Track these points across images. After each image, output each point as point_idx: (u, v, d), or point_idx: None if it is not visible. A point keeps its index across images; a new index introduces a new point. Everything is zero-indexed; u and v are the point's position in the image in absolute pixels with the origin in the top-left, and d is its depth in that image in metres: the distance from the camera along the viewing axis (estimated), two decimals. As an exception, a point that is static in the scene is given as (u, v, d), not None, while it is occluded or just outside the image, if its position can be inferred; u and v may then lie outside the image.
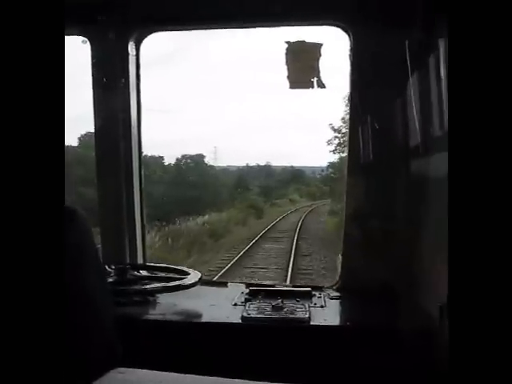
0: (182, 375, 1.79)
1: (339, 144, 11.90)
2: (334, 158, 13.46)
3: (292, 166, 26.97)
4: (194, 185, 17.56)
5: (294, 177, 26.88)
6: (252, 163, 25.30)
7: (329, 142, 12.46)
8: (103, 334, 1.83)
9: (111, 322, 1.87)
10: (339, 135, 11.91)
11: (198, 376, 1.79)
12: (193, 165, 21.71)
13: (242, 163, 24.93)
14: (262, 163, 26.06)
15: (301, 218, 19.48)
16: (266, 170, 25.76)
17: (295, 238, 13.78)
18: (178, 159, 20.92)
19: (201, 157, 21.79)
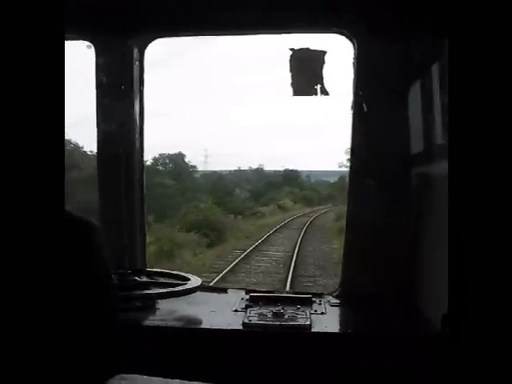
0: (184, 381, 1.78)
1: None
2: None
3: (285, 169, 25.28)
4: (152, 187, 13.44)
5: (287, 179, 24.10)
6: (244, 167, 24.37)
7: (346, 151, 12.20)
8: (107, 340, 1.82)
9: (115, 329, 1.86)
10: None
11: (200, 383, 1.78)
12: (171, 166, 20.42)
13: (235, 167, 24.27)
14: (255, 166, 24.92)
15: (295, 245, 11.56)
16: (258, 173, 24.48)
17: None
18: (155, 158, 19.54)
19: (180, 156, 20.41)
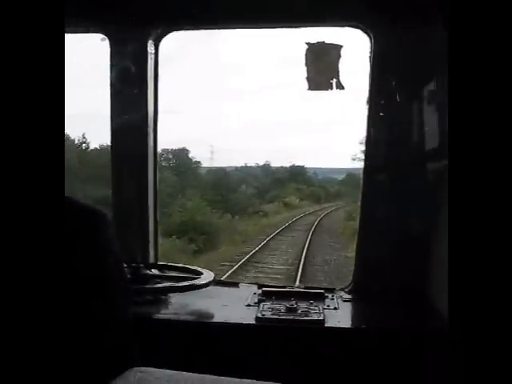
0: (200, 375, 1.78)
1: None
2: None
3: (292, 164, 23.57)
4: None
5: (294, 175, 23.21)
6: (251, 163, 23.81)
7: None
8: (121, 333, 1.83)
9: (130, 322, 1.87)
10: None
11: (214, 376, 1.78)
12: (175, 161, 19.81)
13: (242, 163, 23.82)
14: (262, 163, 24.37)
15: (300, 253, 8.91)
16: (265, 170, 23.87)
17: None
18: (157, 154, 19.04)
19: (184, 152, 19.83)
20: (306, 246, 11.12)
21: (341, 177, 23.51)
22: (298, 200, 20.83)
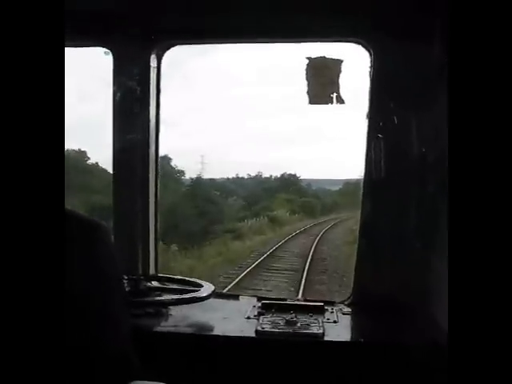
0: None
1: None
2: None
3: (283, 173, 21.51)
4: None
5: (285, 184, 21.22)
6: (243, 174, 22.92)
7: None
8: (120, 346, 1.82)
9: (128, 334, 1.86)
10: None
11: None
12: None
13: (233, 175, 23.02)
14: (254, 174, 22.59)
15: None
16: (256, 181, 22.07)
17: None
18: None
19: (166, 160, 17.80)
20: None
21: (336, 188, 22.42)
22: (287, 213, 16.79)
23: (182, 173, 17.76)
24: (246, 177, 22.54)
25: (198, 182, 17.89)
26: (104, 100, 2.73)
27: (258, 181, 22.26)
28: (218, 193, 18.09)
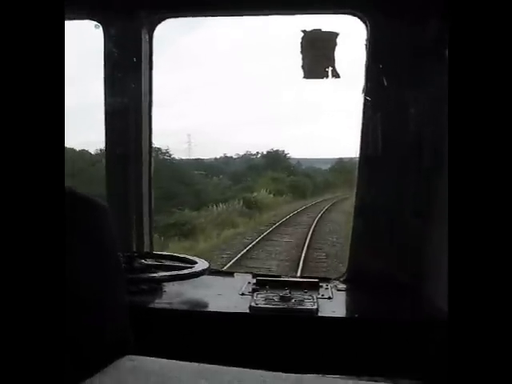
0: (193, 364, 1.78)
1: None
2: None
3: (270, 150, 20.00)
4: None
5: (271, 162, 19.72)
6: (231, 154, 22.18)
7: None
8: (116, 320, 1.82)
9: (125, 310, 1.86)
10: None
11: (207, 365, 1.78)
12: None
13: (221, 154, 22.31)
14: (242, 153, 21.00)
15: None
16: (244, 160, 20.82)
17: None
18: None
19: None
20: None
21: (327, 167, 21.00)
22: (271, 195, 13.77)
23: (168, 153, 16.36)
24: (234, 156, 21.97)
25: (180, 162, 16.86)
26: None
27: (246, 160, 21.71)
28: (204, 172, 17.04)
